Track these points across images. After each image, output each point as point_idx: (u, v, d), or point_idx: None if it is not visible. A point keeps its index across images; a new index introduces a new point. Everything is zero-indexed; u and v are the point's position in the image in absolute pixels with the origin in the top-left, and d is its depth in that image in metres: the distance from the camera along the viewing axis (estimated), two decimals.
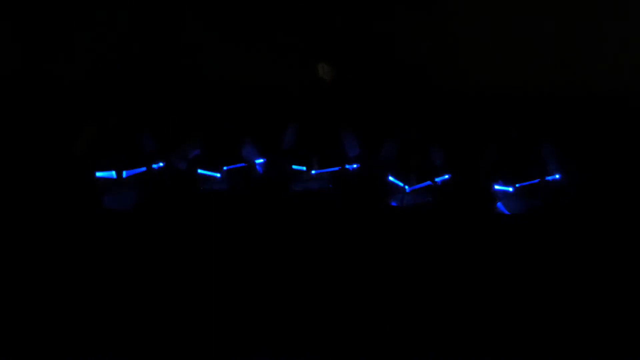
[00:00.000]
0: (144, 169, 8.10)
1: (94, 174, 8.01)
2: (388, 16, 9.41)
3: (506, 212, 7.96)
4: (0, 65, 9.60)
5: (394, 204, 8.05)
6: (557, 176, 7.96)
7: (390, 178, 8.07)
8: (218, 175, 8.21)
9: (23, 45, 9.62)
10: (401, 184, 8.04)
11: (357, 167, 8.30)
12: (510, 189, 7.89)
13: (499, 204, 8.00)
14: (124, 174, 8.01)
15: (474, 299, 7.38)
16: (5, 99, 9.45)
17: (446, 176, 8.10)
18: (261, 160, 8.31)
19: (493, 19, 9.34)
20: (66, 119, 9.04)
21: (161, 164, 8.18)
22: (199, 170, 8.24)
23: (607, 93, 9.13)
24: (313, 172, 8.25)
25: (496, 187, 7.98)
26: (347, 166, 8.30)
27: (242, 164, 8.26)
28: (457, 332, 7.08)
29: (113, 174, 8.00)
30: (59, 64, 9.59)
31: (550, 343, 6.93)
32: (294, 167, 8.26)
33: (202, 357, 6.91)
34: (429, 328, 7.13)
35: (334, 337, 7.05)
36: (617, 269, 7.63)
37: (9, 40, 9.61)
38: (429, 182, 8.07)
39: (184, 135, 8.52)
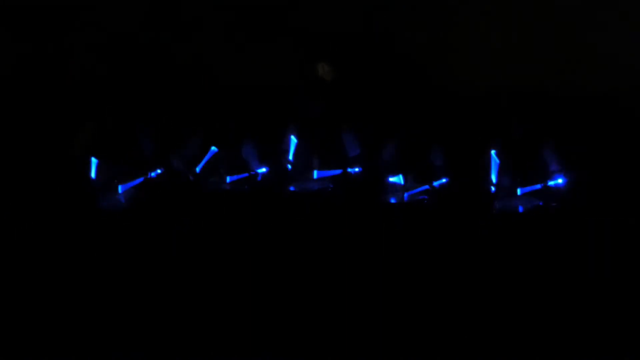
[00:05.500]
0: (141, 179, 8.11)
1: (91, 174, 8.02)
2: (388, 16, 9.41)
3: (504, 212, 7.99)
4: None
5: (392, 201, 8.07)
6: (560, 179, 7.96)
7: (390, 180, 8.08)
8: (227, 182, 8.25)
9: (22, 45, 9.61)
10: (400, 187, 8.05)
11: (358, 171, 8.31)
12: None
13: (497, 204, 8.02)
14: (121, 170, 8.02)
15: (474, 301, 7.41)
16: (2, 98, 9.44)
17: (444, 180, 8.10)
18: (264, 170, 8.30)
19: (494, 20, 9.35)
20: (65, 119, 9.03)
21: (159, 171, 8.19)
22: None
23: (608, 93, 9.14)
24: (315, 176, 8.28)
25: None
26: (348, 169, 8.31)
27: (245, 174, 8.25)
28: (456, 333, 7.11)
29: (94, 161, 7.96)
30: (58, 63, 9.58)
31: (549, 345, 6.97)
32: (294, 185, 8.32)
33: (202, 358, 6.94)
34: (429, 329, 7.16)
35: (333, 337, 7.08)
36: (617, 270, 7.66)
37: (8, 39, 9.60)
38: (426, 187, 8.09)
39: (184, 135, 8.52)
